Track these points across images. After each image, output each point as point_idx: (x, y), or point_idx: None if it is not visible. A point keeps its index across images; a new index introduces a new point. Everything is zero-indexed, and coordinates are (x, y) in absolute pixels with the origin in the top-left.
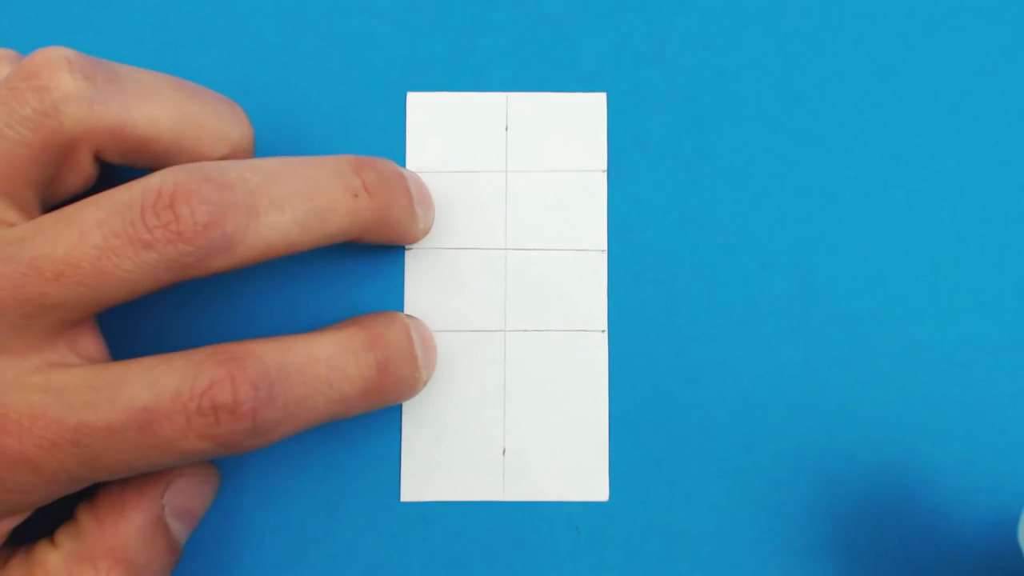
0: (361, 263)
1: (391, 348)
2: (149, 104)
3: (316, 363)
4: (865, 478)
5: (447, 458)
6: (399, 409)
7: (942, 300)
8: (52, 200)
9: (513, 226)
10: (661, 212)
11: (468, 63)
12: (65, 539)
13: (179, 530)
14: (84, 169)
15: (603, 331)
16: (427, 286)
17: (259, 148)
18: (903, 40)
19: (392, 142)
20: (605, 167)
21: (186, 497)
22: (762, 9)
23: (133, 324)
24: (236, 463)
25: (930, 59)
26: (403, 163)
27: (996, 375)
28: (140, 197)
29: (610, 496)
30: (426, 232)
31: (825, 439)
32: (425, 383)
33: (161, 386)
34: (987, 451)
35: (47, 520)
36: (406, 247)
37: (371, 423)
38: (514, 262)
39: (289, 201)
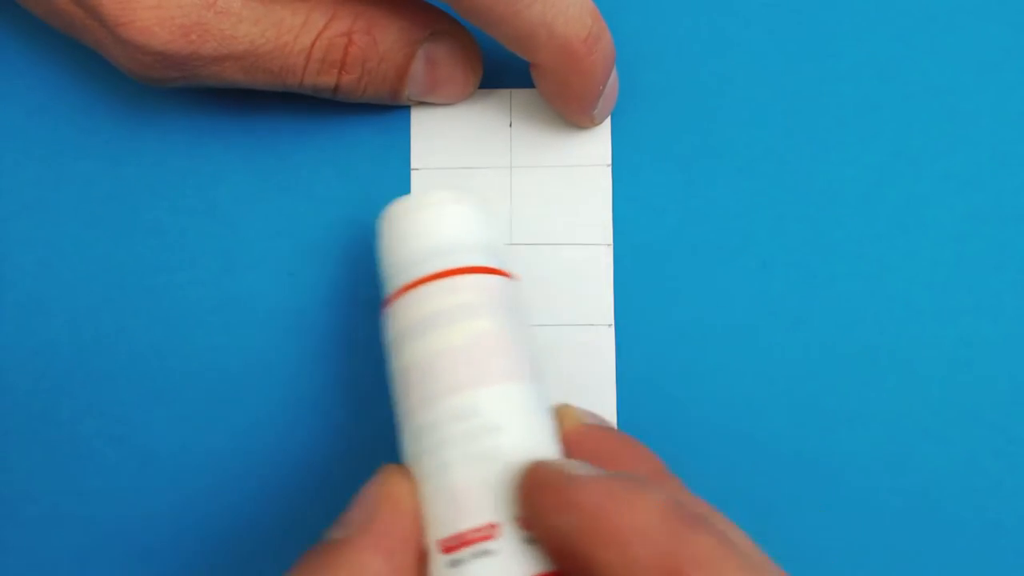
0: (369, 260)
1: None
2: None
3: None
4: (867, 478)
5: None
6: None
7: (942, 300)
8: None
9: (518, 222)
10: (666, 205)
11: None
12: None
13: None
14: None
15: (610, 325)
16: None
17: (259, 147)
18: (903, 40)
19: (396, 140)
20: (610, 161)
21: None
22: (762, 6)
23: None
24: (235, 463)
25: (930, 59)
26: (408, 162)
27: (996, 375)
28: None
29: None
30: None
31: (824, 435)
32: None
33: None
34: (987, 451)
35: None
36: None
37: (372, 422)
38: (520, 257)
39: None
